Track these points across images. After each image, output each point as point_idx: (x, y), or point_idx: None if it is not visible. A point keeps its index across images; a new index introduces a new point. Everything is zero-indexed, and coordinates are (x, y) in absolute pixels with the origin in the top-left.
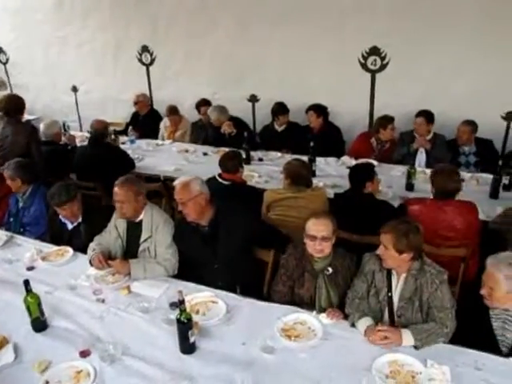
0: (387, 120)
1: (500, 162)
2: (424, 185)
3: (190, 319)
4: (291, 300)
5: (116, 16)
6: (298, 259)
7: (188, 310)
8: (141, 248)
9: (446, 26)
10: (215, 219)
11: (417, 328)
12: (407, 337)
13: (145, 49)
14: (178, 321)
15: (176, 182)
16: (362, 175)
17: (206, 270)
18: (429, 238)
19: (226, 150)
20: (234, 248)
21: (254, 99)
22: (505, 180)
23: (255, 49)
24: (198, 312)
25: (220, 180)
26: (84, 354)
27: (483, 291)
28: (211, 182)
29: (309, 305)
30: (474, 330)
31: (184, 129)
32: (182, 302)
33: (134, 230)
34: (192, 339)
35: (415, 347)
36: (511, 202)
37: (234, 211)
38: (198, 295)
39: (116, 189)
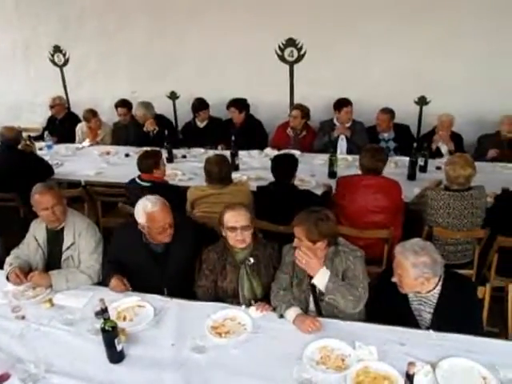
0: (293, 108)
1: (415, 145)
2: (346, 171)
3: (115, 327)
4: (215, 294)
5: (22, 14)
6: (218, 252)
7: (115, 317)
8: (64, 256)
9: (359, 16)
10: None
11: (335, 276)
12: (324, 273)
13: (57, 49)
14: (103, 330)
15: (153, 209)
16: (286, 167)
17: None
18: (356, 217)
19: (149, 149)
20: (184, 262)
21: (173, 96)
22: (420, 162)
23: (172, 44)
24: (125, 318)
25: (139, 181)
26: (2, 378)
27: (395, 279)
28: (132, 184)
29: (233, 297)
30: (397, 311)
31: (104, 132)
32: (104, 310)
33: (55, 238)
34: (119, 347)
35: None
36: (427, 183)
37: (184, 224)
38: (125, 301)
39: (38, 196)
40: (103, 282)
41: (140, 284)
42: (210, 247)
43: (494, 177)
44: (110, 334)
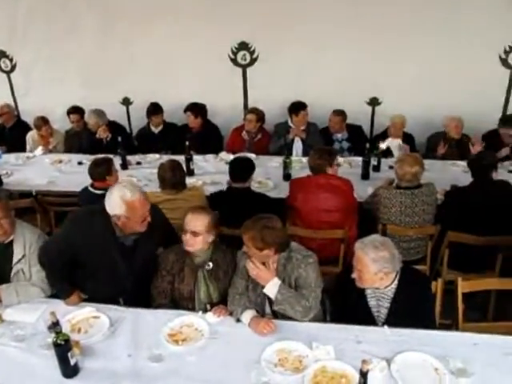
0: (247, 112)
1: (367, 145)
2: (301, 173)
3: (67, 340)
4: (171, 295)
5: None
6: (178, 254)
7: (69, 329)
8: (14, 270)
9: (310, 19)
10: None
11: (285, 286)
12: (274, 284)
13: (2, 54)
14: (55, 344)
15: (134, 197)
16: (242, 170)
17: (109, 285)
18: (310, 218)
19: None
20: (150, 257)
21: (127, 102)
22: (374, 162)
23: (123, 48)
24: (79, 330)
25: (92, 189)
26: None
27: (354, 275)
28: (84, 193)
29: (189, 300)
30: (354, 309)
31: (56, 140)
32: (56, 323)
33: (3, 252)
34: (73, 361)
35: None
36: (381, 182)
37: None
38: (79, 312)
39: None
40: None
41: (102, 279)
42: (169, 248)
43: (443, 174)
44: (63, 348)
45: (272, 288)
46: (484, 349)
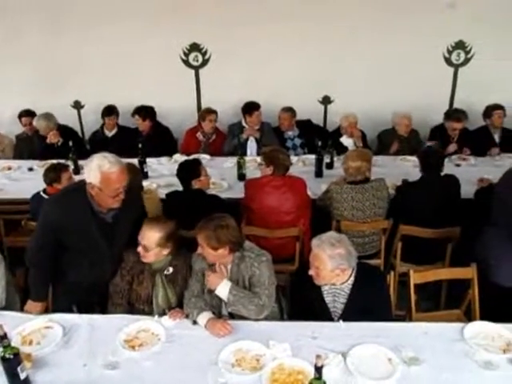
0: (206, 112)
1: (319, 143)
2: (256, 173)
3: (17, 354)
4: (129, 296)
5: None
6: (138, 256)
7: (19, 342)
8: None
9: (261, 18)
10: (119, 209)
11: (236, 287)
12: (225, 285)
13: None
14: (3, 359)
15: (111, 170)
16: (186, 173)
17: (91, 268)
18: (268, 218)
19: (54, 162)
20: (128, 238)
21: (78, 105)
22: (327, 159)
23: (72, 51)
24: (31, 342)
25: (44, 195)
26: None
27: (311, 272)
28: (36, 199)
29: (145, 303)
30: (311, 306)
31: (3, 145)
32: (3, 336)
33: None
34: (23, 375)
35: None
36: (335, 179)
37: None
38: (30, 324)
39: None
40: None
41: (85, 262)
42: (130, 249)
43: (394, 169)
44: (12, 362)
45: (223, 289)
46: (434, 337)
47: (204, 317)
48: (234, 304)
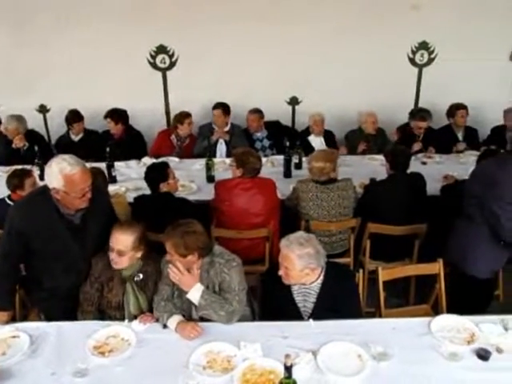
0: (183, 116)
1: (287, 144)
2: (225, 174)
3: None
4: (99, 303)
5: None
6: (106, 264)
7: None
8: None
9: (228, 19)
10: (88, 210)
11: (208, 291)
12: (197, 289)
13: None
14: None
15: (73, 171)
16: (154, 177)
17: (65, 272)
18: (238, 220)
19: (19, 167)
20: (100, 240)
21: (44, 109)
22: (295, 159)
23: (39, 53)
24: None
25: (9, 202)
26: None
27: (281, 272)
28: (0, 206)
29: (117, 309)
30: (281, 306)
31: None
32: None
33: None
34: None
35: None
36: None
37: (99, 193)
38: None
39: None
40: None
41: (58, 267)
42: (99, 255)
43: (362, 168)
44: None
45: (195, 293)
46: (402, 332)
47: (174, 320)
48: (205, 308)
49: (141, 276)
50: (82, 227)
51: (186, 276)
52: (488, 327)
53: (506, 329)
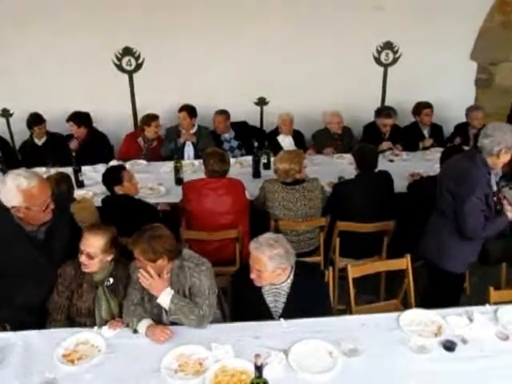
0: (150, 118)
1: (256, 144)
2: (193, 176)
3: None
4: (68, 312)
5: None
6: (76, 268)
7: None
8: None
9: (193, 21)
10: (50, 223)
11: (178, 296)
12: (166, 294)
13: None
14: None
15: (31, 185)
16: (108, 180)
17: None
18: (206, 221)
19: None
20: (67, 249)
21: (6, 113)
22: (263, 160)
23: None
24: None
25: None
26: None
27: (252, 275)
28: None
29: (86, 316)
30: (252, 307)
31: None
32: None
33: None
34: None
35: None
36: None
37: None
38: None
39: None
40: None
41: (29, 283)
42: (66, 263)
43: (330, 167)
44: None
45: (165, 298)
46: (372, 328)
47: (144, 324)
48: (176, 313)
49: (111, 280)
50: (46, 241)
51: (156, 280)
52: (454, 319)
53: (470, 320)
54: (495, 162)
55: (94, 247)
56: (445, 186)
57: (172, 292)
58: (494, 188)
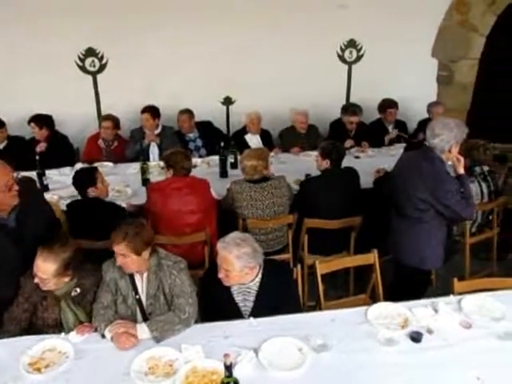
0: (103, 119)
1: (222, 144)
2: (160, 177)
3: None
4: (33, 325)
5: None
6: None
7: None
8: None
9: (158, 20)
10: (21, 209)
11: (152, 321)
12: (142, 329)
13: None
14: None
15: None
16: (82, 182)
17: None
18: (172, 221)
19: None
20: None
21: None
22: (231, 159)
23: None
24: None
25: None
26: None
27: (220, 275)
28: None
29: (55, 327)
30: (222, 307)
31: None
32: None
33: None
34: None
35: (156, 339)
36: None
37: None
38: None
39: None
40: None
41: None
42: (27, 274)
43: (297, 165)
44: None
45: (144, 333)
46: (340, 322)
47: (110, 330)
48: (163, 337)
49: (78, 290)
50: (17, 229)
51: (124, 341)
52: (420, 311)
53: (435, 310)
54: (448, 157)
55: (46, 273)
56: (412, 194)
57: (143, 325)
58: (453, 174)
